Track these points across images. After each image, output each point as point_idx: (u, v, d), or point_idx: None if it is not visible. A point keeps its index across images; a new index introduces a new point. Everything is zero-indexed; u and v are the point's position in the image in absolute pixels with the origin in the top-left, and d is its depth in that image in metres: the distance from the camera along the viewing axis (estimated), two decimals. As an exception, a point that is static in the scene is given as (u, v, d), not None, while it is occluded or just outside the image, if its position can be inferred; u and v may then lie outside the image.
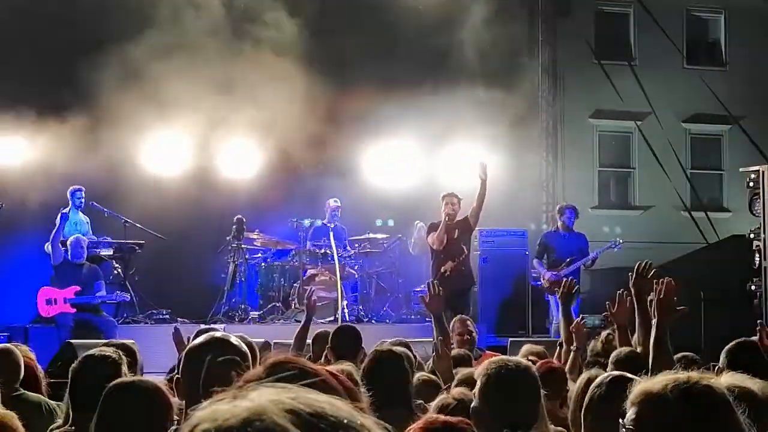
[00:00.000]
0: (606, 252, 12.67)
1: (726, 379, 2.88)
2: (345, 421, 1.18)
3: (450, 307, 10.31)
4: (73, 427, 3.86)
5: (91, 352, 4.22)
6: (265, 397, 1.21)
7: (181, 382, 2.93)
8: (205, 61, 13.84)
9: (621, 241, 12.83)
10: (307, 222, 12.86)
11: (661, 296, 4.30)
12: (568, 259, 12.21)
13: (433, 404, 3.84)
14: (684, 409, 2.01)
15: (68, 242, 11.67)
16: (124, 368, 4.00)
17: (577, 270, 12.32)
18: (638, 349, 5.05)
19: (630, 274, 4.59)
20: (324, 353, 6.33)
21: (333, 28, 14.21)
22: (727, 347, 4.23)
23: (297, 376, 1.66)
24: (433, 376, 5.29)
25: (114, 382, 3.51)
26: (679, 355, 5.07)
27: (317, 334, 7.05)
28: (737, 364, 3.73)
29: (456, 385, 4.36)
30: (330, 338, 6.25)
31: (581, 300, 15.12)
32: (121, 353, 4.15)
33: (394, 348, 4.91)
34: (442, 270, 11.02)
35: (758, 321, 3.78)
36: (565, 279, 6.34)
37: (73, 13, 13.86)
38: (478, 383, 3.48)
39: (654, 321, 4.23)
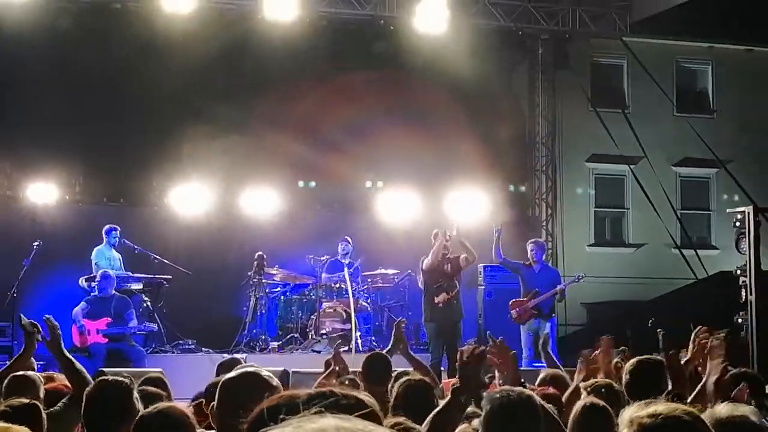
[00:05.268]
0: (572, 285, 12.93)
1: (725, 410, 3.03)
2: None
3: (443, 339, 10.97)
4: None
5: (105, 378, 4.21)
6: (328, 424, 1.25)
7: (216, 414, 2.97)
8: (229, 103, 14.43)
9: (584, 274, 13.16)
10: (323, 258, 13.27)
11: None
12: (533, 291, 12.45)
13: None
14: None
15: (97, 276, 12.26)
16: (135, 394, 3.99)
17: (548, 302, 12.53)
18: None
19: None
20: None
21: (344, 68, 14.82)
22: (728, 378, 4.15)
23: (353, 407, 1.68)
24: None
25: (145, 411, 3.57)
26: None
27: (327, 361, 7.27)
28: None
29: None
30: (362, 365, 6.45)
31: (576, 332, 15.78)
32: (132, 379, 4.17)
33: (426, 378, 5.02)
34: (436, 301, 11.31)
35: (742, 382, 4.19)
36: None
37: (104, 62, 14.52)
38: (482, 414, 3.48)
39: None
